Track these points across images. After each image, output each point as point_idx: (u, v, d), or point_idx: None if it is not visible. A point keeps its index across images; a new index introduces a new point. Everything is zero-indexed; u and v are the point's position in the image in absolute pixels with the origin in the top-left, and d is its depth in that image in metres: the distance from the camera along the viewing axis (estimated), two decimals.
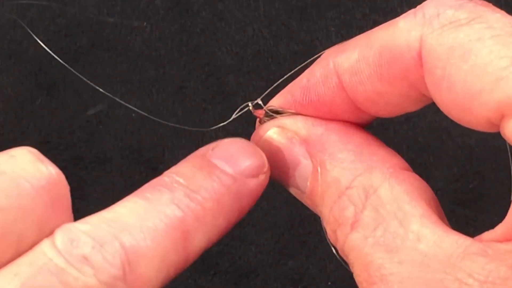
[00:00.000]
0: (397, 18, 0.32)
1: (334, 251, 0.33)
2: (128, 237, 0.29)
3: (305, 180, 0.34)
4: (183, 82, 0.61)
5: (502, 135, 0.29)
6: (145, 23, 0.62)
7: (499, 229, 0.29)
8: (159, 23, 0.62)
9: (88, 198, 0.59)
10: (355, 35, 0.62)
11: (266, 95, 0.36)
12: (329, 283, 0.59)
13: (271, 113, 0.35)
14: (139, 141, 0.60)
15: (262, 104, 0.35)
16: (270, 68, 0.61)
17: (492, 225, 0.30)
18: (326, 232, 0.33)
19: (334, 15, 0.62)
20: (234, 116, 0.37)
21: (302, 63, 0.35)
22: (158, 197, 0.31)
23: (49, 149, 0.60)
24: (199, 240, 0.31)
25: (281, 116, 0.35)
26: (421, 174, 0.59)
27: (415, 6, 0.32)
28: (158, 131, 0.60)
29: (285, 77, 0.36)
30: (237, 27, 0.62)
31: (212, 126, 0.60)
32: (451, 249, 0.29)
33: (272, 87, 0.36)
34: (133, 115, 0.60)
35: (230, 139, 0.34)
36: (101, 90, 0.44)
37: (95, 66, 0.61)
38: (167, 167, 0.59)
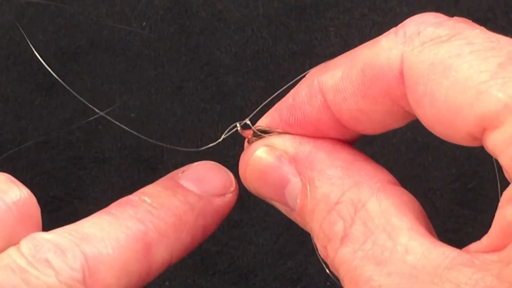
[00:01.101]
0: (379, 37, 0.32)
1: (325, 267, 0.33)
2: (89, 245, 0.32)
3: (295, 197, 0.34)
4: (182, 82, 0.61)
5: (485, 148, 0.30)
6: (143, 23, 0.62)
7: (485, 240, 0.30)
8: (158, 23, 0.62)
9: (87, 198, 0.59)
10: (354, 35, 0.61)
11: (253, 115, 0.36)
12: (328, 283, 0.59)
13: (259, 133, 0.35)
14: (138, 141, 0.60)
15: (250, 124, 0.36)
16: (269, 68, 0.61)
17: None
18: (316, 248, 0.33)
19: (333, 15, 0.62)
20: (223, 136, 0.38)
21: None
22: (122, 212, 0.34)
23: (48, 149, 0.60)
24: (162, 252, 0.34)
25: (269, 135, 0.35)
26: (419, 174, 0.59)
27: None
28: (157, 131, 0.60)
29: (271, 97, 0.36)
30: (236, 27, 0.62)
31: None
32: (438, 260, 0.29)
33: (259, 107, 0.36)
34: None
35: (199, 162, 0.38)
36: (89, 104, 0.44)
37: (94, 66, 0.61)
38: (166, 167, 0.59)
